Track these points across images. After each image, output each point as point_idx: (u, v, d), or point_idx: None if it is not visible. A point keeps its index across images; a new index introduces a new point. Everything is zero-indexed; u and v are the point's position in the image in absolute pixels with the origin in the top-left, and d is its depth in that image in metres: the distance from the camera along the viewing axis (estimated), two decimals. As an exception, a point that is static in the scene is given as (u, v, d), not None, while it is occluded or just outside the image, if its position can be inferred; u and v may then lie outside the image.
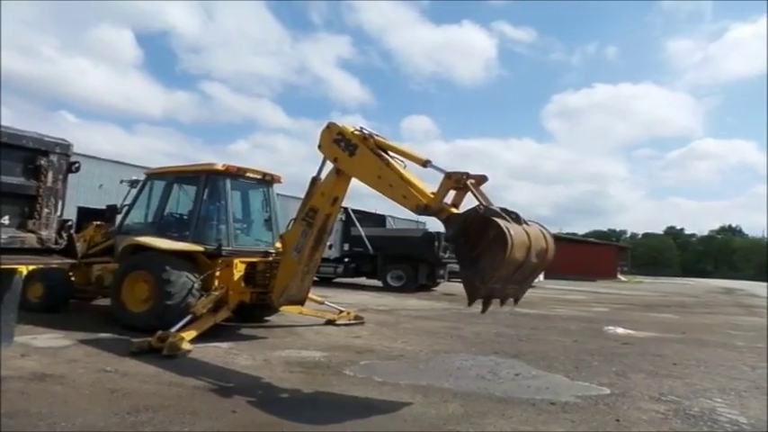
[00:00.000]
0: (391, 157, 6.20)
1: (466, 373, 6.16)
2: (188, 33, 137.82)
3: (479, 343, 8.42)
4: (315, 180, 7.12)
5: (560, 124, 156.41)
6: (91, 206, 19.96)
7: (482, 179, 5.32)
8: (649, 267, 78.74)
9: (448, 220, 5.25)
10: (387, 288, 19.11)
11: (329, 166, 6.89)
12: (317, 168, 7.10)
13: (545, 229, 5.17)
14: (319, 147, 6.84)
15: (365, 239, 19.45)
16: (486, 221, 4.70)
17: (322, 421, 4.15)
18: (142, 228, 8.56)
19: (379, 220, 23.17)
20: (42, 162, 3.16)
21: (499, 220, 4.62)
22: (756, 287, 43.35)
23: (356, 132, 6.47)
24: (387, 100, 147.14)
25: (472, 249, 4.85)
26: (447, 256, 18.58)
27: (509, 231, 4.53)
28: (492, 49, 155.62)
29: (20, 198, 3.13)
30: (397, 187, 5.94)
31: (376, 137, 6.34)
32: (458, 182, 5.32)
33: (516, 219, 4.89)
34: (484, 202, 5.06)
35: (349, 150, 6.46)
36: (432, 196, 5.53)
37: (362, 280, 20.50)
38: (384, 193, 6.09)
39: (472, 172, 5.34)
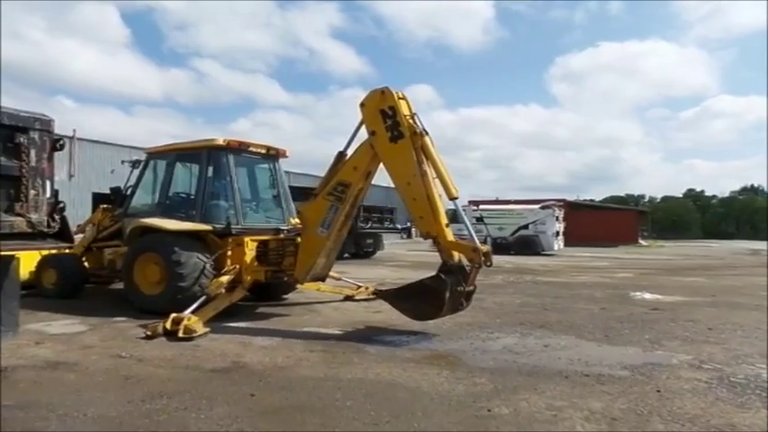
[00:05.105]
0: (430, 165, 5.99)
1: (492, 346, 5.92)
2: (173, 9, 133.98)
3: (503, 314, 8.16)
4: (342, 154, 6.73)
5: (567, 88, 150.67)
6: (105, 192, 19.88)
7: (489, 266, 6.00)
8: (670, 231, 77.48)
9: (443, 265, 6.02)
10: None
11: (359, 139, 6.54)
12: (345, 143, 6.72)
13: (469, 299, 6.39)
14: (362, 105, 6.36)
15: None
16: (441, 297, 5.78)
17: (345, 402, 3.95)
18: (148, 209, 8.33)
19: None
20: (22, 140, 2.89)
21: (445, 307, 5.86)
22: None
23: (410, 120, 6.05)
24: (386, 70, 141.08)
25: (417, 293, 6.04)
26: (369, 226, 20.30)
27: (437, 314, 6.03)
28: (489, 9, 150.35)
29: (3, 180, 2.87)
30: (419, 204, 5.97)
31: (426, 136, 6.01)
32: (472, 260, 5.89)
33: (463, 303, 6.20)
34: (467, 284, 5.99)
35: (392, 133, 6.07)
36: (445, 227, 6.02)
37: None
38: (403, 200, 6.23)
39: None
